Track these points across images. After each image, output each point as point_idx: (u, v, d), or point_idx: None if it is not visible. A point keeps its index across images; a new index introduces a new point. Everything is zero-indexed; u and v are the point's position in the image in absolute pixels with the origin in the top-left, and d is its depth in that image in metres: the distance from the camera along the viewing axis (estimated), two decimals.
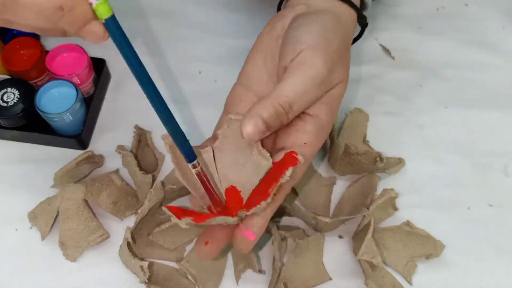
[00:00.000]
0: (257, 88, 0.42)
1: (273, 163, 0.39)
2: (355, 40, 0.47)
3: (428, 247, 0.48)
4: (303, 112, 0.40)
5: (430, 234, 0.48)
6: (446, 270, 0.48)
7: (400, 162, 0.52)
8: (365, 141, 0.54)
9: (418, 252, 0.48)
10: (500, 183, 0.53)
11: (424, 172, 0.52)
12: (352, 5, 0.44)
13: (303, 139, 0.40)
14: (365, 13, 0.47)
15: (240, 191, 0.40)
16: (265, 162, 0.39)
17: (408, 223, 0.48)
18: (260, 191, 0.39)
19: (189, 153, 0.36)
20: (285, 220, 0.50)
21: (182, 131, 0.35)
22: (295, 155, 0.37)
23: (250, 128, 0.37)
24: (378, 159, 0.50)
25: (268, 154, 0.39)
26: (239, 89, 0.43)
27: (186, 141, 0.36)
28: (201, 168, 0.37)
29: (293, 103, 0.38)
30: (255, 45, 0.44)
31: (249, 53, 0.44)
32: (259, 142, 0.39)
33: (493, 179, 0.53)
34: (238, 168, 0.41)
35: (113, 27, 0.31)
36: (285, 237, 0.47)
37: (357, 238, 0.48)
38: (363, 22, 0.46)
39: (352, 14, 0.44)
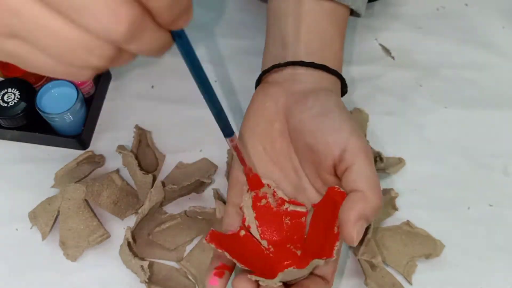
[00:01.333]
0: (261, 172, 0.43)
1: (316, 205, 0.41)
2: None
3: (428, 247, 0.48)
4: None
5: (430, 234, 0.48)
6: (446, 270, 0.48)
7: (400, 162, 0.52)
8: None
9: (418, 252, 0.48)
10: (500, 183, 0.53)
11: (424, 172, 0.52)
12: (339, 76, 0.45)
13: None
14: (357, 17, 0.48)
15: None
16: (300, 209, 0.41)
17: (408, 223, 0.48)
18: (317, 236, 0.40)
19: (228, 129, 0.38)
20: None
21: (222, 108, 0.37)
22: (338, 189, 0.39)
23: (357, 235, 0.36)
24: (377, 158, 0.50)
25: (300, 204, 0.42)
26: (239, 174, 0.43)
27: (225, 116, 0.37)
28: (237, 142, 0.39)
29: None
30: (246, 126, 0.44)
31: (241, 133, 0.44)
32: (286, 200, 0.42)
33: (493, 179, 0.53)
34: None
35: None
36: None
37: None
38: (344, 91, 0.47)
39: (338, 84, 0.45)
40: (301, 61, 0.43)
